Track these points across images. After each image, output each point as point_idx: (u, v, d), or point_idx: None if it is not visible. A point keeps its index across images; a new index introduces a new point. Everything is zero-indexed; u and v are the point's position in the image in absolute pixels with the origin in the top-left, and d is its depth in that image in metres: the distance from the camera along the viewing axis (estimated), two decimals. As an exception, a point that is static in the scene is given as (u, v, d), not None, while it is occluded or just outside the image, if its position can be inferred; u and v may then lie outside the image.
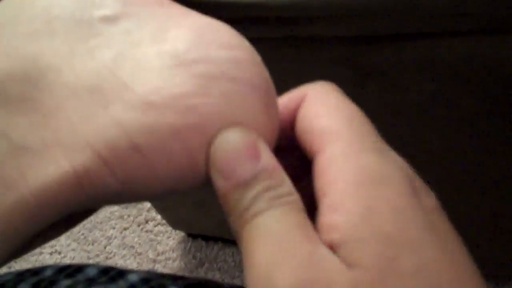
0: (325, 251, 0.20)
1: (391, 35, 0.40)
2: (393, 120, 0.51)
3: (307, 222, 0.21)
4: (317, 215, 0.21)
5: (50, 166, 0.21)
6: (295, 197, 0.22)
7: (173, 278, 0.38)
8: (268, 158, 0.22)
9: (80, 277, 0.36)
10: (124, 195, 0.22)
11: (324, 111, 0.24)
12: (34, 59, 0.23)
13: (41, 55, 0.23)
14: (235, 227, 0.22)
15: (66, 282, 0.35)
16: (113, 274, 0.37)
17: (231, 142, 0.22)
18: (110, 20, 0.24)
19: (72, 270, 0.37)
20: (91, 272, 0.37)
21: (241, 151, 0.22)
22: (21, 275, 0.35)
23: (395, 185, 0.21)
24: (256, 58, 0.25)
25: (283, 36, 0.41)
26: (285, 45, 0.42)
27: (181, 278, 0.38)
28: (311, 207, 0.22)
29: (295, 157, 0.26)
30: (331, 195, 0.21)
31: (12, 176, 0.21)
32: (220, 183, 0.22)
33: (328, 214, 0.21)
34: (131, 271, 0.38)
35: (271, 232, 0.20)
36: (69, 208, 0.22)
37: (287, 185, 0.22)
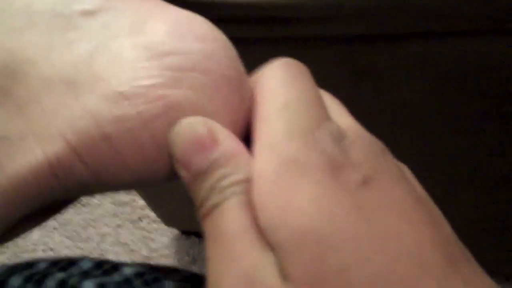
0: (265, 261, 0.19)
1: (386, 35, 0.41)
2: (389, 119, 0.51)
3: (250, 218, 0.20)
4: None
5: (26, 156, 0.21)
6: (248, 185, 0.21)
7: (168, 271, 0.38)
8: (226, 145, 0.22)
9: (74, 270, 0.36)
10: (97, 185, 0.23)
11: (264, 97, 0.23)
12: (13, 52, 0.23)
13: (20, 49, 0.23)
14: (198, 218, 0.22)
15: (60, 275, 0.35)
16: (107, 267, 0.37)
17: (186, 131, 0.22)
18: (89, 13, 0.24)
19: (65, 263, 0.37)
20: (85, 265, 0.37)
21: (196, 140, 0.22)
22: (14, 268, 0.35)
23: (312, 174, 0.20)
24: (230, 51, 0.25)
25: (278, 36, 0.41)
26: (280, 45, 0.42)
27: (176, 271, 0.38)
28: None
29: None
30: (254, 192, 0.20)
31: None
32: (181, 173, 0.22)
33: (257, 213, 0.20)
34: (125, 264, 0.38)
35: (220, 234, 0.20)
36: (46, 197, 0.22)
37: (243, 171, 0.21)
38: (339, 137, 0.21)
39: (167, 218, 0.97)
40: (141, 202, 1.11)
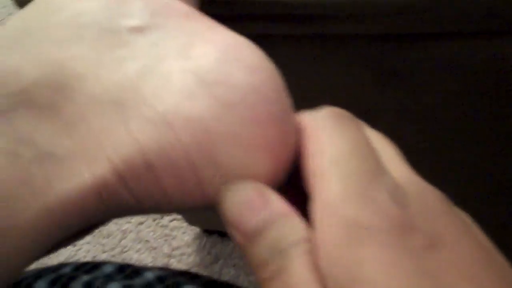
0: None
1: (414, 35, 0.40)
2: (413, 120, 0.50)
3: (318, 281, 0.20)
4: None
5: (74, 176, 0.21)
6: (307, 245, 0.21)
7: (189, 276, 0.38)
8: (277, 204, 0.22)
9: (97, 273, 0.36)
10: (138, 209, 0.23)
11: (315, 149, 0.23)
12: (62, 66, 0.23)
13: (68, 62, 0.23)
14: (258, 279, 0.21)
15: (85, 277, 0.35)
16: (129, 271, 0.37)
17: (236, 194, 0.22)
18: (137, 30, 0.24)
19: (89, 267, 0.37)
20: (107, 270, 0.37)
21: (247, 201, 0.22)
22: (40, 272, 0.36)
23: (378, 240, 0.19)
24: (278, 84, 0.24)
25: (305, 34, 0.40)
26: (307, 43, 0.42)
27: (197, 276, 0.38)
28: None
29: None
30: (321, 259, 0.20)
31: (39, 183, 0.21)
32: (234, 235, 0.22)
33: (327, 282, 0.20)
34: (146, 269, 0.38)
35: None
36: (89, 219, 0.22)
37: (298, 230, 0.21)
38: (398, 194, 0.20)
39: (190, 217, 0.97)
40: (163, 199, 1.11)
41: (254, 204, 0.22)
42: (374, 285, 0.18)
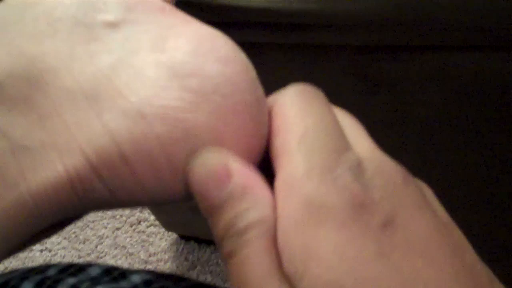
0: None
1: (402, 46, 0.41)
2: (401, 130, 0.51)
3: (273, 262, 0.20)
4: None
5: (47, 168, 0.21)
6: (266, 224, 0.21)
7: (175, 279, 0.38)
8: (240, 176, 0.22)
9: (83, 276, 0.36)
10: (114, 201, 0.22)
11: (282, 126, 0.23)
12: (35, 59, 0.23)
13: (42, 56, 0.23)
14: (221, 253, 0.22)
15: (71, 280, 0.35)
16: (115, 274, 0.37)
17: (202, 166, 0.22)
18: (111, 25, 0.24)
19: (75, 270, 0.37)
20: (94, 272, 0.37)
21: (210, 174, 0.22)
22: (25, 274, 0.35)
23: (335, 219, 0.19)
24: (251, 74, 0.25)
25: (294, 43, 0.41)
26: (295, 52, 0.42)
27: (183, 279, 0.38)
28: None
29: None
30: (279, 236, 0.20)
31: (12, 175, 0.21)
32: (200, 205, 0.22)
33: (282, 259, 0.20)
34: (133, 272, 0.38)
35: (245, 279, 0.20)
36: (64, 211, 0.22)
37: (259, 206, 0.21)
38: (359, 170, 0.21)
39: (167, 222, 0.97)
40: (140, 205, 1.11)
41: (219, 176, 0.22)
42: (326, 265, 0.18)
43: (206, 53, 0.24)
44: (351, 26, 0.38)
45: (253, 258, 0.20)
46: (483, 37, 0.38)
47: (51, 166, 0.21)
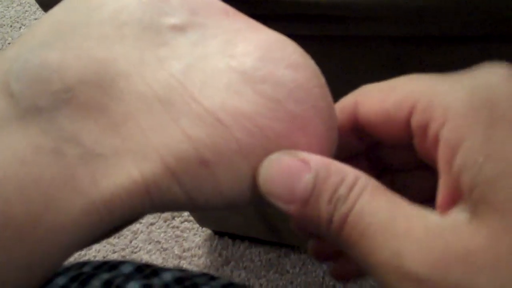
0: (439, 217, 0.19)
1: (440, 37, 0.40)
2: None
3: (395, 194, 0.20)
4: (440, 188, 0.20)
5: (121, 174, 0.21)
6: (366, 178, 0.21)
7: (207, 278, 0.37)
8: (317, 158, 0.22)
9: (116, 273, 0.36)
10: (189, 204, 0.23)
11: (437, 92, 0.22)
12: (106, 64, 0.23)
13: (112, 61, 0.23)
14: (333, 236, 0.21)
15: (106, 275, 0.35)
16: (147, 272, 0.37)
17: (274, 166, 0.22)
18: (178, 29, 0.24)
19: (108, 267, 0.37)
20: (126, 270, 0.37)
21: (287, 170, 0.22)
22: (60, 270, 0.36)
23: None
24: (321, 80, 0.25)
25: (331, 34, 0.40)
26: (332, 44, 0.42)
27: (214, 278, 0.37)
28: None
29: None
30: (456, 154, 0.19)
31: (84, 182, 0.21)
32: (288, 210, 0.22)
33: (465, 171, 0.19)
34: (165, 270, 0.38)
35: (376, 216, 0.19)
36: (134, 214, 0.22)
37: (351, 173, 0.21)
38: None
39: (201, 218, 0.97)
40: (174, 200, 1.11)
41: (294, 169, 0.22)
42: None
43: (276, 59, 0.24)
44: (388, 17, 0.37)
45: (373, 200, 0.20)
46: (488, 28, 0.36)
47: (126, 172, 0.21)
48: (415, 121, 0.22)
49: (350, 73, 0.44)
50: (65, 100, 0.22)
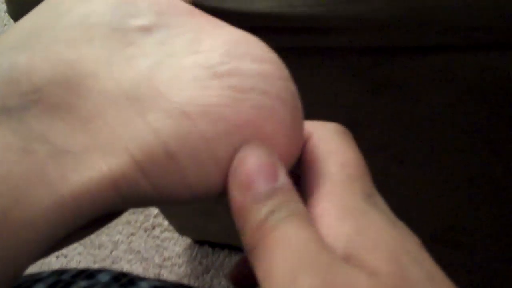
0: (343, 263, 0.20)
1: (407, 47, 0.41)
2: (406, 131, 0.51)
3: (321, 237, 0.21)
4: None
5: (90, 169, 0.22)
6: (309, 215, 0.22)
7: (183, 287, 0.38)
8: (284, 179, 0.23)
9: (93, 281, 0.36)
10: (155, 198, 0.23)
11: (324, 155, 0.24)
12: (73, 65, 0.24)
13: (81, 62, 0.24)
14: (250, 241, 0.22)
15: (83, 283, 0.35)
16: (124, 281, 0.37)
17: (253, 157, 0.23)
18: (145, 29, 0.25)
19: (85, 275, 0.37)
20: (103, 278, 0.37)
21: (261, 168, 0.22)
22: (38, 276, 0.36)
23: (380, 218, 0.21)
24: (285, 72, 0.26)
25: (299, 46, 0.41)
26: (300, 55, 0.42)
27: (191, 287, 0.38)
28: None
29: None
30: (322, 224, 0.22)
31: (52, 178, 0.21)
32: (237, 196, 0.22)
33: (325, 237, 0.21)
34: (142, 279, 0.38)
35: (290, 242, 0.20)
36: (104, 209, 0.22)
37: (301, 204, 0.22)
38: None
39: (181, 227, 0.97)
40: (154, 210, 1.11)
41: (267, 171, 0.22)
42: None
43: (241, 54, 0.24)
44: (355, 29, 0.38)
45: (302, 223, 0.21)
46: (487, 36, 0.37)
47: (94, 166, 0.22)
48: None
49: (316, 84, 0.45)
50: (34, 101, 0.22)
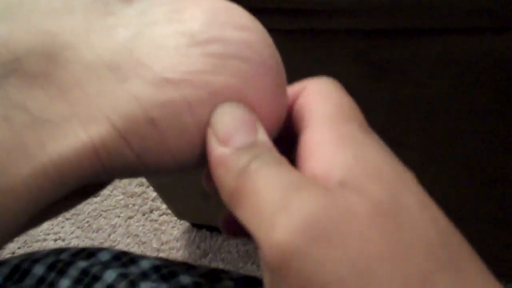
0: (336, 187, 0.20)
1: (407, 30, 0.40)
2: (407, 115, 0.51)
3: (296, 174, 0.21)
4: None
5: (69, 137, 0.22)
6: (285, 161, 0.22)
7: (185, 266, 0.38)
8: (263, 136, 0.23)
9: (94, 260, 0.36)
10: (138, 167, 0.23)
11: (318, 98, 0.24)
12: (53, 35, 0.24)
13: (60, 32, 0.24)
14: (231, 188, 0.22)
15: (82, 263, 0.35)
16: (125, 260, 0.37)
17: (232, 111, 0.23)
18: (126, 0, 0.25)
19: (86, 254, 0.37)
20: (104, 257, 0.37)
21: (240, 121, 0.23)
22: (37, 256, 0.36)
23: (378, 145, 0.22)
24: (268, 40, 0.25)
25: (299, 28, 0.41)
26: (301, 38, 0.42)
27: (193, 267, 0.38)
28: None
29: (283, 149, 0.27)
30: (316, 154, 0.22)
31: (32, 146, 0.21)
32: (217, 148, 0.23)
33: (318, 167, 0.21)
34: (142, 257, 0.38)
35: (277, 176, 0.21)
36: (86, 178, 0.22)
37: (276, 155, 0.22)
38: None
39: (179, 211, 0.97)
40: (152, 193, 1.11)
41: (246, 125, 0.23)
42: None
43: (223, 22, 0.24)
44: (355, 11, 0.38)
45: (289, 169, 0.21)
46: (487, 19, 0.37)
47: (74, 135, 0.22)
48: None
49: (317, 67, 0.45)
50: (13, 70, 0.23)
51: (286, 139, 0.26)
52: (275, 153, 0.22)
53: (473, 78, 0.44)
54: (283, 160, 0.22)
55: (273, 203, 0.19)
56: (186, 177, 0.74)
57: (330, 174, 0.20)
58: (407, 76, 0.46)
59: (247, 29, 0.25)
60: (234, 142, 0.22)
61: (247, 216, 0.21)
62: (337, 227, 0.18)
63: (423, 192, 0.21)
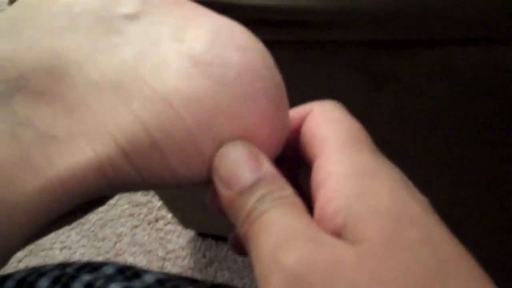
0: (328, 236, 0.20)
1: (406, 41, 0.40)
2: (407, 125, 0.51)
3: (309, 217, 0.22)
4: (314, 212, 0.22)
5: (76, 154, 0.22)
6: (297, 199, 0.22)
7: (189, 281, 0.38)
8: (269, 167, 0.23)
9: (98, 274, 0.36)
10: (141, 184, 0.24)
11: (326, 122, 0.25)
12: (58, 53, 0.24)
13: (65, 50, 0.24)
14: (242, 231, 0.22)
15: (87, 277, 0.35)
16: (129, 273, 0.37)
17: (233, 153, 0.23)
18: (130, 18, 0.25)
19: (90, 268, 0.37)
20: (108, 271, 0.37)
21: (242, 161, 0.23)
22: (43, 270, 0.36)
23: (388, 177, 0.22)
24: (269, 61, 0.25)
25: (299, 40, 0.41)
26: (301, 49, 0.42)
27: (197, 281, 0.38)
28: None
29: (290, 168, 0.28)
30: (326, 186, 0.22)
31: (39, 162, 0.22)
32: (224, 192, 0.23)
33: (326, 204, 0.21)
34: (146, 271, 0.38)
35: (275, 224, 0.21)
36: (91, 193, 0.23)
37: (288, 189, 0.23)
38: None
39: (184, 220, 0.97)
40: (158, 203, 1.11)
41: (248, 163, 0.23)
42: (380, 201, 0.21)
43: (225, 42, 0.24)
44: (354, 22, 0.38)
45: (289, 209, 0.22)
46: (487, 30, 0.37)
47: (80, 151, 0.22)
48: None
49: (316, 78, 0.45)
50: (19, 87, 0.23)
51: (293, 160, 0.27)
52: (278, 191, 0.22)
53: (473, 88, 0.44)
54: (285, 198, 0.22)
55: (268, 258, 0.20)
56: (191, 187, 0.74)
57: (335, 211, 0.21)
58: (406, 87, 0.46)
59: (248, 50, 0.25)
60: (238, 185, 0.22)
61: (252, 259, 0.21)
62: (324, 283, 0.19)
63: (433, 223, 0.20)
